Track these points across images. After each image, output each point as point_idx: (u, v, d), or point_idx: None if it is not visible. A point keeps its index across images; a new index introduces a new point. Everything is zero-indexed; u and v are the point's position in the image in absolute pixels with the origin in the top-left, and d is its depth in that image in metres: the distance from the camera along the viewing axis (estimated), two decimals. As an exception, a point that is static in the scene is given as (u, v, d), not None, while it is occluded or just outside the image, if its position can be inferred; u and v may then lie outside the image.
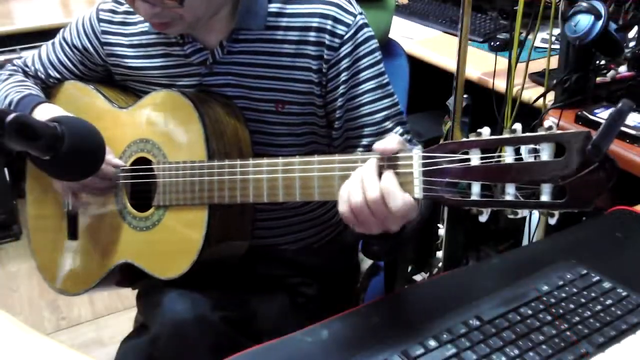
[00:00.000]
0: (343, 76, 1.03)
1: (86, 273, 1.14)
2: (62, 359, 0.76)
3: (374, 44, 1.05)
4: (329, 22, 1.01)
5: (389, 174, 0.75)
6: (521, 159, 0.69)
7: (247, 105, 1.07)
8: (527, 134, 0.68)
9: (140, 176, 1.07)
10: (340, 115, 1.05)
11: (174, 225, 1.03)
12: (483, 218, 0.73)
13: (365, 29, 1.04)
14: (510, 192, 0.70)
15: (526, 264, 0.93)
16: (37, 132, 0.73)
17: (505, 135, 0.70)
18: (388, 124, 1.05)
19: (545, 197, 0.68)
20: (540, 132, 0.68)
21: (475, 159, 0.71)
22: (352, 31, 1.02)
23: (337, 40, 1.02)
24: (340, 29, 1.02)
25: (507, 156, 0.69)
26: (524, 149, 0.69)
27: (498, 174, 0.70)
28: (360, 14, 1.04)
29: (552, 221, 0.69)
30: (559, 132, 0.67)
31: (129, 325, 1.28)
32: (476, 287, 0.89)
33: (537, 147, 0.68)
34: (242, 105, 1.07)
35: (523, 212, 0.71)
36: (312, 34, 1.02)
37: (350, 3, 1.05)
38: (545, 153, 0.67)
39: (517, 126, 0.70)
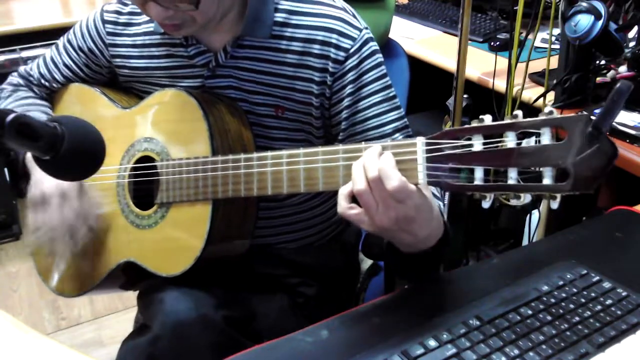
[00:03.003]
0: (348, 89, 1.03)
1: (87, 274, 1.13)
2: (62, 359, 0.76)
3: (379, 58, 1.05)
4: (334, 35, 1.01)
5: (387, 154, 0.76)
6: (522, 144, 0.69)
7: (247, 109, 1.07)
8: (528, 118, 0.69)
9: (142, 174, 1.07)
10: (345, 127, 1.05)
11: (177, 223, 1.03)
12: (486, 204, 0.74)
13: (371, 43, 1.04)
14: (512, 176, 0.70)
15: (526, 264, 0.93)
16: (37, 132, 0.72)
17: (507, 121, 0.70)
18: (397, 137, 1.04)
19: (547, 181, 0.68)
20: (541, 117, 0.68)
21: (477, 144, 0.72)
22: (357, 45, 1.02)
23: (342, 53, 1.02)
24: (346, 43, 1.02)
25: (509, 142, 0.70)
26: (525, 134, 0.69)
27: (501, 159, 0.70)
28: (366, 28, 1.05)
29: (555, 205, 0.69)
30: (559, 116, 0.67)
31: (129, 325, 1.28)
32: (476, 287, 0.89)
33: (538, 131, 0.68)
34: (243, 108, 1.07)
35: (526, 197, 0.71)
36: (316, 46, 1.02)
37: (356, 18, 1.05)
38: (546, 137, 0.68)
39: (518, 112, 0.70)
